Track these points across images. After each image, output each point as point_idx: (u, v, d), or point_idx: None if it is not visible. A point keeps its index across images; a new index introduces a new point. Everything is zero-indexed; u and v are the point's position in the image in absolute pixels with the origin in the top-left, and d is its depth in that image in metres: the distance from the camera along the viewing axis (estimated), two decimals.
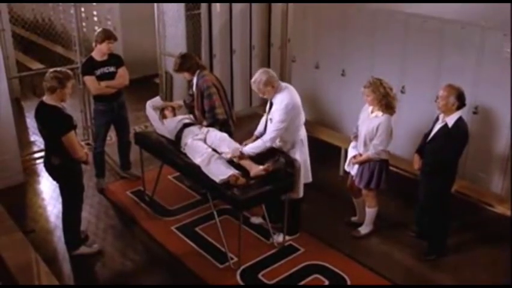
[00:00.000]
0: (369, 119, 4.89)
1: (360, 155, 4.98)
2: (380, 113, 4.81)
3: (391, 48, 6.21)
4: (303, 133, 5.02)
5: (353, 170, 5.10)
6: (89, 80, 5.74)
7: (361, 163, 4.96)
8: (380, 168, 4.93)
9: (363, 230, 5.27)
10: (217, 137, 5.05)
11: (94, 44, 5.73)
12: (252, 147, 4.84)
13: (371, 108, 4.90)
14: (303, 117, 4.98)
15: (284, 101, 4.74)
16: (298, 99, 4.87)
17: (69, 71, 4.58)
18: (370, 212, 5.20)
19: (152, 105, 5.67)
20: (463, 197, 5.64)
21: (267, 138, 4.80)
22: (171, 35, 7.83)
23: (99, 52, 5.70)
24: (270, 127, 4.83)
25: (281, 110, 4.72)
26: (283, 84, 4.92)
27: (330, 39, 6.93)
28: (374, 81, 4.78)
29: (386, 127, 4.78)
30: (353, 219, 5.46)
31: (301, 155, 4.97)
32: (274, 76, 4.79)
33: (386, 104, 4.76)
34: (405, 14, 6.02)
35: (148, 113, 5.65)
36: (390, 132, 4.85)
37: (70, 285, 4.66)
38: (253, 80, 4.82)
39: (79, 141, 4.68)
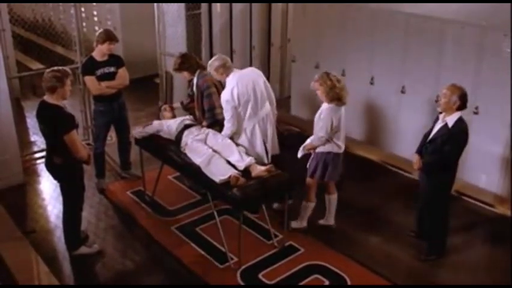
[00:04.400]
0: (319, 110, 4.99)
1: None
2: (326, 104, 4.88)
3: (391, 48, 6.21)
4: (251, 124, 5.12)
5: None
6: (90, 80, 5.74)
7: (308, 150, 4.98)
8: (325, 160, 4.95)
9: (294, 224, 5.23)
10: (219, 141, 5.05)
11: (94, 44, 5.73)
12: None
13: (324, 102, 4.95)
14: (254, 107, 5.08)
15: (223, 93, 5.07)
16: (241, 89, 4.99)
17: (66, 69, 4.61)
18: (305, 206, 5.19)
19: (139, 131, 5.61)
20: (463, 197, 5.65)
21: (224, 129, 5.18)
22: (171, 35, 7.83)
23: (99, 52, 5.70)
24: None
25: (223, 102, 5.07)
26: (235, 71, 5.13)
27: (330, 39, 6.93)
28: (321, 75, 4.85)
29: (326, 115, 4.82)
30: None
31: (251, 141, 5.16)
32: (224, 65, 5.05)
33: (333, 95, 4.79)
34: (405, 14, 6.02)
35: (142, 134, 5.56)
36: (332, 122, 4.82)
37: (70, 285, 4.66)
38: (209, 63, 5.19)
39: (80, 141, 4.69)
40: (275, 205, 5.50)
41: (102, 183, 6.13)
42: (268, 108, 5.26)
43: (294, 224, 5.26)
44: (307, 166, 5.10)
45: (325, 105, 4.89)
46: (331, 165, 4.98)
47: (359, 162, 6.58)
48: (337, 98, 4.80)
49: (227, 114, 5.07)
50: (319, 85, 4.81)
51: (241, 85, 5.01)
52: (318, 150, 4.96)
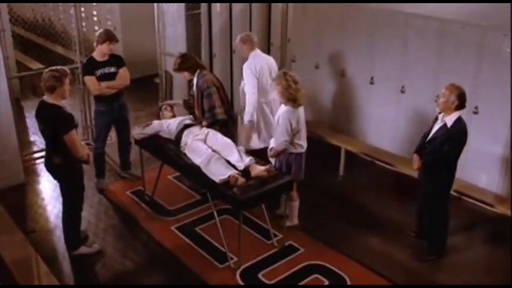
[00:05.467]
0: (278, 112, 5.05)
1: None
2: (283, 106, 4.92)
3: (391, 48, 6.21)
4: (262, 100, 5.73)
5: (273, 161, 5.19)
6: (90, 81, 5.74)
7: (273, 156, 5.05)
8: (288, 161, 4.99)
9: (288, 223, 5.23)
10: (219, 140, 5.05)
11: (95, 44, 5.73)
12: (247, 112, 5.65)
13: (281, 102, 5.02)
14: (267, 85, 5.69)
15: (247, 63, 5.73)
16: (261, 65, 5.71)
17: (65, 68, 4.61)
18: (290, 205, 5.22)
19: (138, 132, 5.62)
20: (463, 197, 5.65)
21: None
22: (171, 35, 7.82)
23: (99, 52, 5.71)
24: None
25: (246, 70, 5.70)
26: (258, 51, 5.84)
27: (330, 39, 6.93)
28: (278, 75, 4.92)
29: (283, 118, 4.86)
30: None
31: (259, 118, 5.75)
32: (252, 40, 5.77)
33: (288, 96, 4.82)
34: (405, 14, 6.02)
35: (142, 135, 5.58)
36: (291, 125, 4.85)
37: (70, 285, 4.66)
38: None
39: (80, 141, 4.69)
40: (278, 211, 5.47)
41: (102, 183, 6.13)
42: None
43: (288, 223, 5.26)
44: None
45: (282, 109, 4.94)
46: (294, 165, 5.02)
47: (358, 162, 6.58)
48: (292, 98, 4.82)
49: (250, 80, 5.63)
50: (276, 84, 4.88)
51: (262, 62, 5.75)
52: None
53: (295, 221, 5.34)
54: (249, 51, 5.76)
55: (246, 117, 5.66)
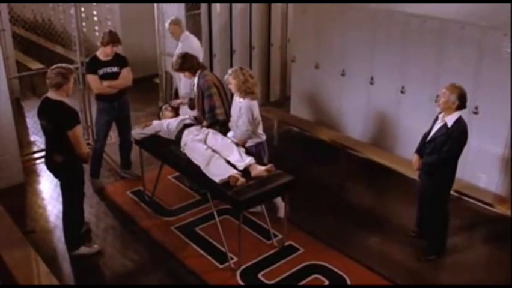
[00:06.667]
0: (235, 105, 5.22)
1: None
2: (242, 99, 5.11)
3: (391, 48, 6.21)
4: None
5: None
6: (91, 79, 5.76)
7: (242, 144, 5.12)
8: (257, 151, 5.14)
9: (280, 213, 5.24)
10: (219, 141, 5.05)
11: (99, 44, 5.75)
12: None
13: (236, 95, 5.18)
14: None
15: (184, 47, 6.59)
16: (194, 45, 6.82)
17: (70, 66, 4.68)
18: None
19: (138, 132, 5.64)
20: (463, 197, 5.65)
21: None
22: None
23: (103, 53, 5.74)
24: None
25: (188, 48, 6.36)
26: (187, 32, 6.97)
27: (330, 39, 6.93)
28: (235, 69, 5.11)
29: (245, 109, 5.07)
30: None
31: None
32: (181, 23, 7.01)
33: (246, 89, 5.03)
34: (405, 14, 6.02)
35: (141, 135, 5.59)
36: (252, 115, 5.09)
37: (70, 285, 4.66)
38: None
39: (82, 138, 4.71)
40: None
41: (97, 183, 6.10)
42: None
43: (280, 213, 5.26)
44: None
45: (242, 101, 5.10)
46: (263, 153, 5.21)
47: (360, 163, 6.58)
48: (250, 92, 5.04)
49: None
50: (232, 79, 5.06)
51: (194, 42, 6.91)
52: (248, 145, 5.15)
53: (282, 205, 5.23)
54: (180, 32, 6.83)
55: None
